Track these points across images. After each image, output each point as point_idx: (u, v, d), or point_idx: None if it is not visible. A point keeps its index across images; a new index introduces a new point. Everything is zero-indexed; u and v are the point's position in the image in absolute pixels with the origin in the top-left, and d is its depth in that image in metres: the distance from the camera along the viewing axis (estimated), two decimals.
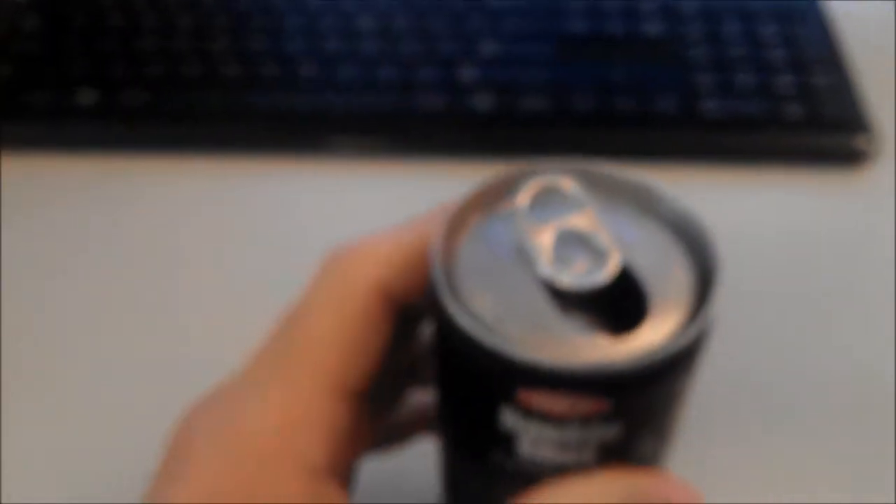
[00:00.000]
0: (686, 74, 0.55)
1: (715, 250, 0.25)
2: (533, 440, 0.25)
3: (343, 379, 0.27)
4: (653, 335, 0.24)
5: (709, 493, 0.39)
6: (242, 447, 0.26)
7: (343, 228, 0.50)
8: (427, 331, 0.31)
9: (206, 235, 0.50)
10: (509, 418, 0.25)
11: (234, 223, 0.51)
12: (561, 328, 0.24)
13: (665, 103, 0.54)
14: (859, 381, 0.43)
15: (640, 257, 0.25)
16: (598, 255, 0.25)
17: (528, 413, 0.24)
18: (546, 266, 0.25)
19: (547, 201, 0.26)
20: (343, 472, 0.28)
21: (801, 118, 0.53)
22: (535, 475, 0.26)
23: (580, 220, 0.26)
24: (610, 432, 0.25)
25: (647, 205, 0.27)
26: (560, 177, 0.26)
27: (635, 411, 0.24)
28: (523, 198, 0.26)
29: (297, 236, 0.50)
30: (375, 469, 0.32)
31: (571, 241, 0.25)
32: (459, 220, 0.26)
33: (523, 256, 0.25)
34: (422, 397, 0.34)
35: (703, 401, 0.42)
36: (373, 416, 0.30)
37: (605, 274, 0.25)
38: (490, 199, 0.27)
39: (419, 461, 0.36)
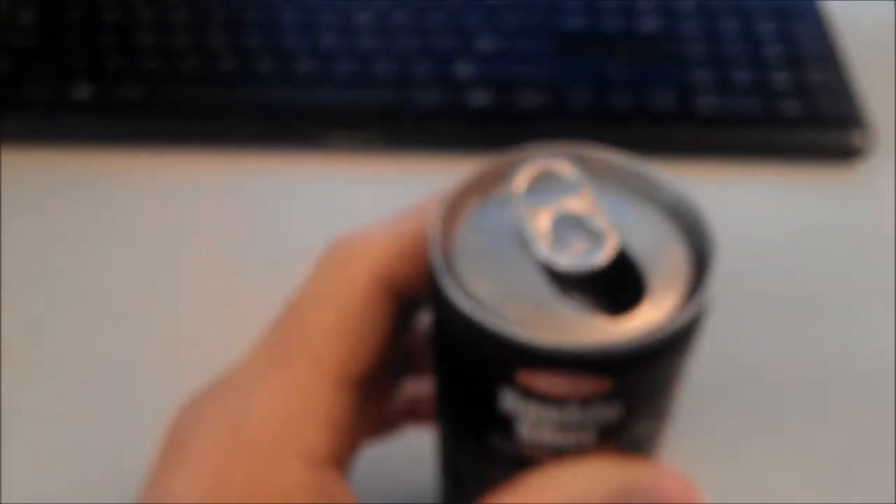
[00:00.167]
0: (683, 71, 0.55)
1: (711, 232, 0.25)
2: (533, 422, 0.25)
3: (343, 369, 0.27)
4: (651, 315, 0.24)
5: (708, 493, 0.39)
6: (244, 436, 0.26)
7: (340, 223, 0.50)
8: (424, 319, 0.31)
9: (203, 229, 0.50)
10: (509, 400, 0.25)
11: (231, 217, 0.51)
12: (559, 309, 0.24)
13: (662, 100, 0.54)
14: (857, 377, 0.43)
15: (636, 239, 0.25)
16: (596, 238, 0.25)
17: (528, 394, 0.24)
18: (544, 249, 0.25)
19: (544, 185, 0.26)
20: (343, 461, 0.28)
21: (797, 114, 0.53)
22: (534, 458, 0.26)
23: (577, 203, 0.26)
24: (609, 413, 0.25)
25: (642, 187, 0.27)
26: (556, 160, 0.27)
27: (634, 391, 0.25)
28: (520, 182, 0.26)
29: (295, 230, 0.50)
30: (371, 458, 0.32)
31: (569, 224, 0.26)
32: (457, 205, 0.26)
33: (521, 240, 0.26)
34: (413, 387, 0.34)
35: (701, 399, 0.42)
36: (370, 405, 0.30)
37: (602, 256, 0.25)
38: (487, 184, 0.27)
39: (414, 449, 0.36)
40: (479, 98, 0.54)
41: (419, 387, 0.34)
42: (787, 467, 0.40)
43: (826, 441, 0.41)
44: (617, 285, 0.25)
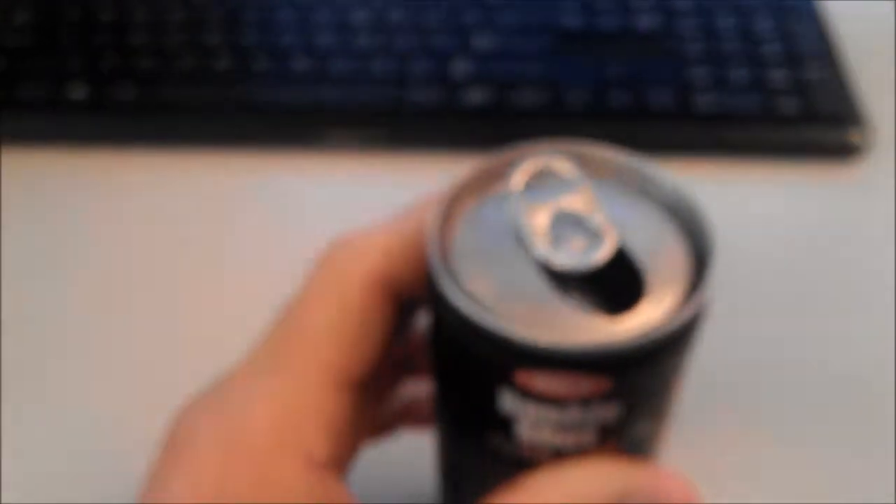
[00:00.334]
0: (681, 69, 0.55)
1: (710, 230, 0.25)
2: (532, 422, 0.25)
3: (343, 371, 0.27)
4: (650, 314, 0.24)
5: (707, 493, 0.39)
6: (244, 438, 0.25)
7: (337, 221, 0.50)
8: (423, 320, 0.31)
9: (200, 229, 0.50)
10: (508, 401, 0.25)
11: (228, 217, 0.50)
12: (558, 308, 0.24)
13: (660, 98, 0.54)
14: (856, 376, 0.43)
15: (635, 237, 0.25)
16: (594, 236, 0.25)
17: (527, 395, 0.24)
18: (542, 247, 0.25)
19: (542, 183, 0.26)
20: (343, 463, 0.28)
21: (795, 112, 0.53)
22: (534, 459, 0.26)
23: (576, 201, 0.26)
24: (609, 413, 0.24)
25: (641, 185, 0.27)
26: (555, 158, 0.26)
27: (634, 391, 0.24)
28: (518, 179, 0.26)
29: (292, 229, 0.49)
30: (371, 459, 0.32)
31: (567, 222, 0.25)
32: (455, 203, 0.26)
33: (519, 238, 0.25)
34: (412, 388, 0.34)
35: (701, 399, 0.42)
36: (369, 407, 0.29)
37: (601, 254, 0.25)
38: (485, 182, 0.27)
39: (414, 450, 0.36)
40: (477, 96, 0.54)
41: (418, 388, 0.34)
42: (786, 467, 0.40)
43: (826, 441, 0.41)
44: (616, 284, 0.25)
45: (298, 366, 0.26)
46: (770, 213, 0.51)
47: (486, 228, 0.26)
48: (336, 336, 0.27)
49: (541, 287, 0.24)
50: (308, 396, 0.26)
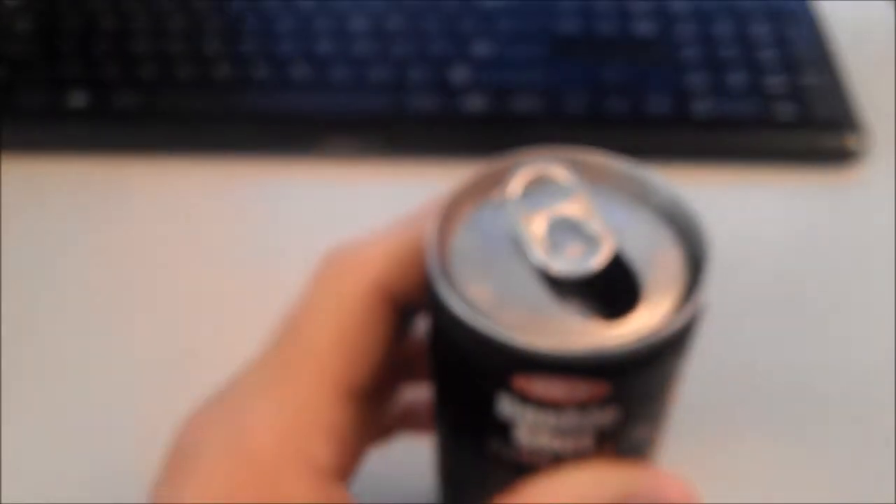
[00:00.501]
0: (678, 75, 0.55)
1: (705, 234, 0.25)
2: (530, 427, 0.25)
3: (347, 381, 0.27)
4: (646, 319, 0.24)
5: (708, 494, 0.39)
6: (252, 450, 0.26)
7: (337, 228, 0.50)
8: (421, 325, 0.31)
9: (199, 236, 0.50)
10: (506, 406, 0.25)
11: (227, 224, 0.51)
12: (556, 314, 0.24)
13: (657, 103, 0.54)
14: (856, 380, 0.43)
15: (632, 243, 0.25)
16: (591, 242, 0.25)
17: (525, 400, 0.24)
18: (539, 253, 0.25)
19: (539, 189, 0.26)
20: (347, 472, 0.28)
21: (792, 118, 0.53)
22: (532, 463, 0.26)
23: (572, 208, 0.26)
24: (606, 417, 0.25)
25: (637, 191, 0.27)
26: (551, 165, 0.27)
27: (631, 395, 0.25)
28: (516, 186, 0.26)
29: (291, 236, 0.50)
30: (371, 464, 0.32)
31: (564, 229, 0.26)
32: (453, 210, 0.26)
33: (517, 244, 0.26)
34: (411, 394, 0.34)
35: (700, 401, 0.42)
36: (371, 414, 0.30)
37: (598, 260, 0.25)
38: (483, 189, 0.27)
39: (414, 455, 0.36)
40: (475, 103, 0.54)
41: (416, 393, 0.34)
42: (785, 469, 0.40)
43: (825, 442, 0.41)
44: (612, 289, 0.25)
45: (303, 378, 0.27)
46: (767, 218, 0.51)
47: (484, 235, 0.26)
48: (339, 347, 0.27)
49: (538, 293, 0.25)
50: (314, 408, 0.26)
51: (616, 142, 0.53)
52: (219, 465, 0.26)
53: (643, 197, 0.27)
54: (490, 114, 0.54)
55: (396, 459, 0.35)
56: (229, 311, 0.46)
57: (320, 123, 0.54)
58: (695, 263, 0.25)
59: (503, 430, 0.26)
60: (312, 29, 0.58)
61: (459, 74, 0.55)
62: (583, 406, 0.24)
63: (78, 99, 0.54)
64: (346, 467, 0.28)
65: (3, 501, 0.39)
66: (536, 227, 0.26)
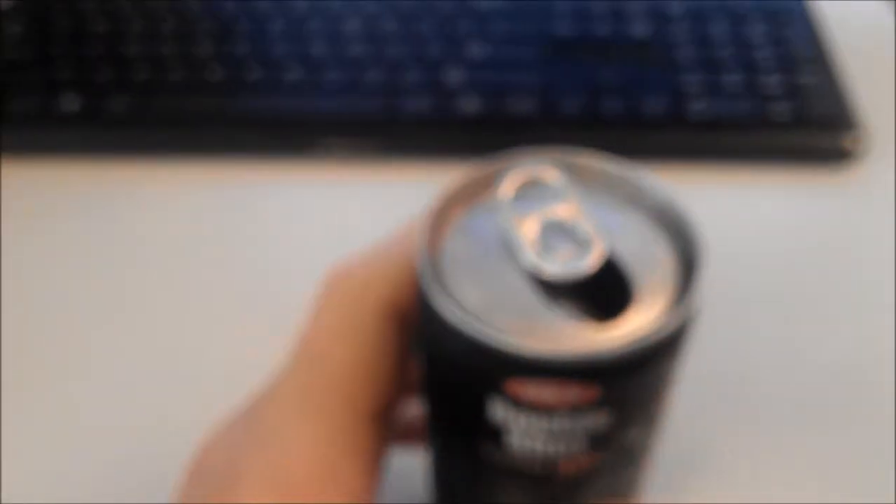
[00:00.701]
0: (674, 75, 0.55)
1: (698, 236, 0.25)
2: (523, 431, 0.25)
3: (371, 405, 0.27)
4: (639, 322, 0.24)
5: (706, 494, 0.39)
6: (291, 480, 0.26)
7: (332, 230, 0.50)
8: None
9: (194, 239, 0.50)
10: (499, 410, 0.25)
11: (221, 227, 0.50)
12: (548, 317, 0.24)
13: (653, 104, 0.54)
14: (853, 379, 0.43)
15: (624, 245, 0.25)
16: (583, 244, 0.25)
17: (518, 404, 0.24)
18: (531, 256, 0.25)
19: (530, 192, 0.26)
20: (374, 493, 0.28)
21: (788, 117, 0.53)
22: (525, 467, 0.26)
23: (564, 210, 0.26)
24: (599, 420, 0.24)
25: (629, 193, 0.27)
26: (543, 167, 0.26)
27: (623, 398, 0.24)
28: (507, 189, 0.26)
29: (286, 239, 0.49)
30: None
31: (556, 231, 0.25)
32: (444, 213, 0.26)
33: (508, 247, 0.25)
34: (410, 409, 0.34)
35: (700, 403, 0.42)
36: (387, 431, 0.30)
37: (589, 262, 0.25)
38: (474, 192, 0.27)
39: (408, 459, 0.36)
40: (470, 105, 0.54)
41: (414, 408, 0.34)
42: (785, 469, 0.40)
43: (825, 442, 0.41)
44: (604, 292, 0.25)
45: (330, 405, 0.27)
46: (764, 218, 0.50)
47: (476, 238, 0.26)
48: (360, 372, 0.27)
49: (530, 296, 0.24)
50: (346, 435, 0.27)
51: (612, 143, 0.53)
52: (260, 494, 0.26)
53: (635, 199, 0.26)
54: (485, 115, 0.54)
55: (392, 462, 0.35)
56: (225, 312, 0.46)
57: (314, 126, 0.54)
58: (688, 265, 0.25)
59: (496, 434, 0.26)
60: (306, 31, 0.58)
61: (454, 76, 0.55)
62: (575, 409, 0.24)
63: (71, 102, 0.54)
64: (373, 488, 0.28)
65: (3, 501, 0.39)
66: (528, 230, 0.25)
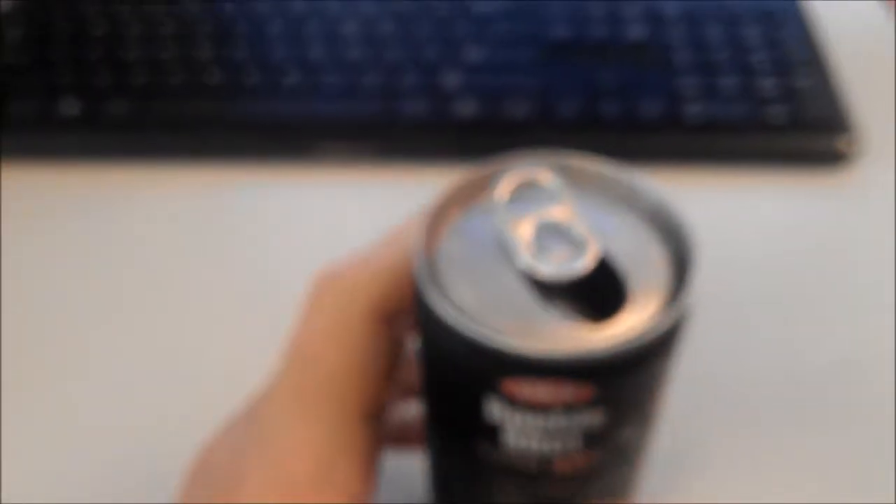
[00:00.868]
0: (670, 78, 0.55)
1: (691, 236, 0.25)
2: (518, 430, 0.25)
3: (362, 404, 0.28)
4: (633, 321, 0.24)
5: (705, 495, 0.39)
6: (291, 479, 0.27)
7: (329, 233, 0.50)
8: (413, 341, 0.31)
9: (192, 242, 0.50)
10: (495, 409, 0.25)
11: (219, 230, 0.51)
12: (543, 317, 0.24)
13: (649, 107, 0.54)
14: (851, 380, 0.43)
15: (618, 246, 0.26)
16: (577, 245, 0.25)
17: (513, 403, 0.24)
18: (526, 257, 0.25)
19: (525, 194, 0.26)
20: (371, 493, 0.29)
21: (784, 120, 0.53)
22: (521, 466, 0.26)
23: (558, 212, 0.26)
24: (594, 419, 0.25)
25: (623, 195, 0.27)
26: (538, 170, 0.27)
27: (618, 397, 0.25)
28: (502, 191, 0.26)
29: (284, 242, 0.50)
30: None
31: (550, 233, 0.26)
32: (440, 214, 0.26)
33: (504, 248, 0.26)
34: (402, 412, 0.34)
35: (700, 404, 0.42)
36: (379, 433, 0.30)
37: (583, 263, 0.25)
38: (470, 194, 0.27)
39: (406, 458, 0.36)
40: (467, 108, 0.54)
41: (408, 411, 0.34)
42: (784, 470, 0.40)
43: (821, 443, 0.41)
44: (599, 292, 0.25)
45: (321, 407, 0.27)
46: (760, 221, 0.51)
47: (472, 239, 0.26)
48: (352, 372, 0.27)
49: (526, 296, 0.25)
50: (341, 437, 0.27)
51: (609, 145, 0.53)
52: (263, 494, 0.27)
53: (629, 200, 0.27)
54: (482, 118, 0.54)
55: (388, 462, 0.35)
56: (223, 313, 0.46)
57: (312, 129, 0.54)
58: (681, 265, 0.25)
59: (492, 433, 0.26)
60: (304, 35, 0.58)
61: (451, 79, 0.55)
62: (570, 408, 0.24)
63: (70, 106, 0.54)
64: (369, 488, 0.28)
65: (3, 501, 0.39)
66: (523, 232, 0.26)
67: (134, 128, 0.54)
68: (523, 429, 0.25)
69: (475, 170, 0.27)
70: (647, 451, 0.29)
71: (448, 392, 0.27)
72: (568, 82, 0.55)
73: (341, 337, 0.28)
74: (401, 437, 0.35)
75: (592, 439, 0.25)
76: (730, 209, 0.51)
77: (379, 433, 0.29)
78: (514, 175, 0.27)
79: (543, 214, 0.26)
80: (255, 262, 0.49)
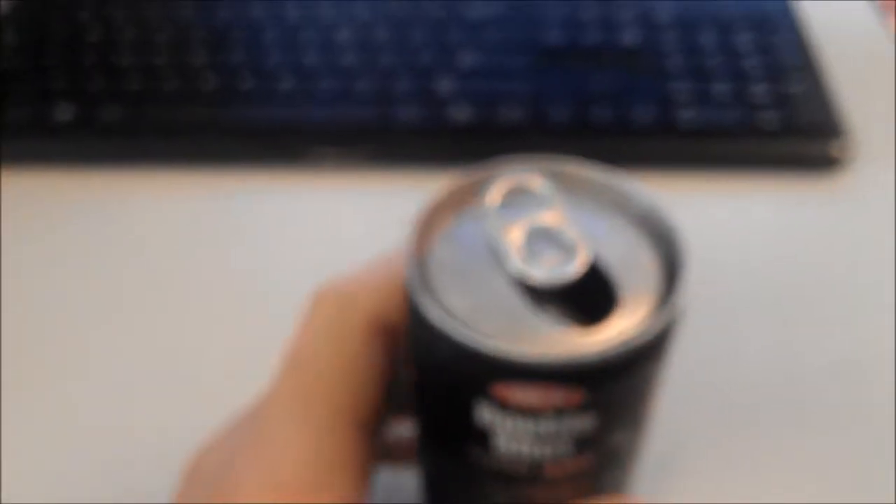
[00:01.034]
0: (662, 84, 0.56)
1: (681, 241, 0.25)
2: (509, 434, 0.25)
3: (356, 414, 0.28)
4: (623, 325, 0.24)
5: (704, 495, 0.39)
6: (286, 484, 0.27)
7: (324, 238, 0.50)
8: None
9: (187, 247, 0.50)
10: (486, 414, 0.25)
11: (214, 235, 0.51)
12: (534, 322, 0.24)
13: (642, 113, 0.54)
14: (850, 380, 0.44)
15: (608, 250, 0.26)
16: (568, 250, 0.25)
17: (504, 407, 0.24)
18: (517, 262, 0.25)
19: (516, 199, 0.27)
20: (364, 498, 0.29)
21: (776, 125, 0.54)
22: (512, 470, 0.26)
23: (549, 217, 0.26)
24: (585, 423, 0.25)
25: (613, 199, 0.27)
26: (529, 175, 0.27)
27: (608, 401, 0.25)
28: (493, 196, 0.26)
29: (279, 247, 0.50)
30: None
31: (541, 238, 0.26)
32: (431, 220, 0.26)
33: (495, 253, 0.26)
34: (396, 428, 0.35)
35: (700, 406, 0.42)
36: (373, 441, 0.30)
37: (574, 268, 0.25)
38: (461, 199, 0.27)
39: (399, 467, 0.36)
40: (461, 113, 0.54)
41: (401, 427, 0.35)
42: (784, 470, 0.40)
43: (820, 444, 0.41)
44: (589, 297, 0.25)
45: (316, 414, 0.28)
46: (753, 226, 0.51)
47: (463, 245, 0.26)
48: (347, 381, 0.28)
49: (516, 301, 0.25)
50: (335, 444, 0.27)
51: (601, 151, 0.53)
52: (259, 495, 0.27)
53: (620, 205, 0.27)
54: (476, 124, 0.54)
55: (383, 466, 0.36)
56: (220, 317, 0.46)
57: (307, 134, 0.54)
58: (671, 269, 0.25)
59: (483, 437, 0.26)
60: (298, 40, 0.58)
61: (445, 85, 0.56)
62: (561, 413, 0.24)
63: (64, 112, 0.54)
64: (362, 492, 0.28)
65: (3, 501, 0.39)
66: (514, 237, 0.26)
67: (128, 133, 0.54)
68: (514, 433, 0.25)
69: (466, 175, 0.27)
70: (639, 454, 0.29)
71: (439, 396, 0.27)
72: (561, 88, 0.56)
73: (337, 346, 0.28)
74: (391, 454, 0.35)
75: (584, 444, 0.26)
76: (723, 214, 0.51)
77: (373, 444, 0.29)
78: (504, 180, 0.27)
79: (534, 219, 0.26)
80: (250, 267, 0.49)
